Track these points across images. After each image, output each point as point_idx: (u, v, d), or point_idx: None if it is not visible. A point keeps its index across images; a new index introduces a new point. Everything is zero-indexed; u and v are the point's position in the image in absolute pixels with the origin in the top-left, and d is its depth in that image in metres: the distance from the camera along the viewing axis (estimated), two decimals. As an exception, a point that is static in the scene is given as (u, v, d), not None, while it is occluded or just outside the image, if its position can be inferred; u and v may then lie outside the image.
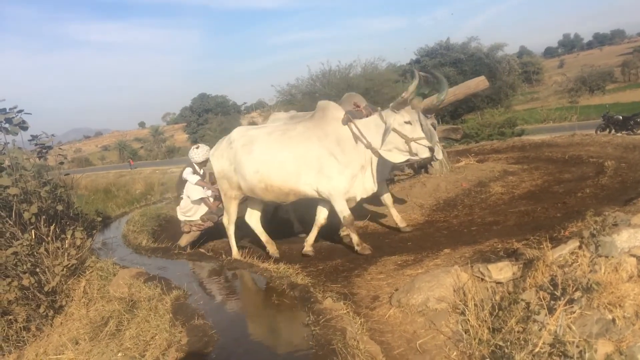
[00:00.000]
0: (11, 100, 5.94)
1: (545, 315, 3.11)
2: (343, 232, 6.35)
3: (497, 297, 3.58)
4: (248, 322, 3.96)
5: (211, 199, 7.09)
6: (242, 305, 4.35)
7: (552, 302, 3.21)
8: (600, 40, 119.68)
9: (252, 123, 65.04)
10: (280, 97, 21.16)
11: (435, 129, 5.93)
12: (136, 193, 26.44)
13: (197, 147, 7.08)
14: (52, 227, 5.78)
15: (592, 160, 7.71)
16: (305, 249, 5.74)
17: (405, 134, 5.14)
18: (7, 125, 5.92)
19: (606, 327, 3.09)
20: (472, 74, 30.77)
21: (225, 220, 6.19)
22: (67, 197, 6.73)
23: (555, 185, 6.95)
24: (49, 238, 5.71)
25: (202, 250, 6.48)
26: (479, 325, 3.32)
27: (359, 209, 6.49)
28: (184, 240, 6.98)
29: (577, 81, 43.87)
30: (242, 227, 6.48)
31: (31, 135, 6.44)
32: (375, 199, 6.00)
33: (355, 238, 5.51)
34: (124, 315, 4.83)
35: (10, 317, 5.51)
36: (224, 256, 5.84)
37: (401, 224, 6.13)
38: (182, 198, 7.00)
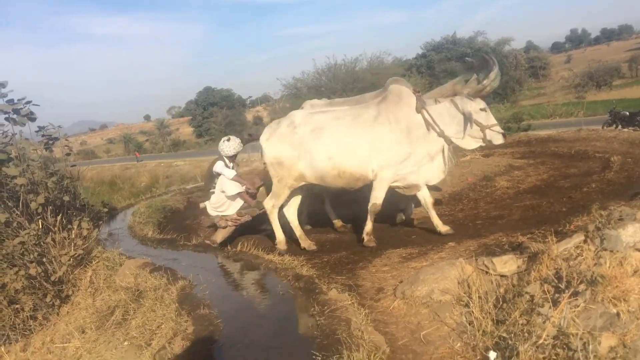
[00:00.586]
0: (18, 92, 5.97)
1: (550, 308, 3.12)
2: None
3: (502, 290, 3.59)
4: (253, 312, 3.98)
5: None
6: (248, 296, 4.37)
7: (557, 295, 3.22)
8: (608, 36, 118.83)
9: (257, 117, 64.43)
10: (285, 90, 21.15)
11: None
12: (141, 185, 26.58)
13: (227, 140, 6.56)
14: (58, 218, 5.83)
15: (598, 155, 7.69)
16: (441, 230, 5.47)
17: (480, 121, 5.18)
18: (15, 116, 5.95)
19: (610, 320, 3.09)
20: (480, 68, 30.62)
21: (269, 203, 5.91)
22: (73, 188, 6.78)
23: (561, 180, 6.94)
24: (55, 228, 5.75)
25: (207, 241, 6.49)
26: (483, 317, 3.34)
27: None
28: (220, 236, 6.60)
29: (584, 76, 43.56)
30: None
31: (38, 127, 6.48)
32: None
33: (368, 226, 5.44)
34: (130, 304, 4.87)
35: (17, 306, 5.57)
36: (229, 247, 5.86)
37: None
38: (212, 192, 6.59)
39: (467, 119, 5.16)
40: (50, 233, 5.73)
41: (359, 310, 3.61)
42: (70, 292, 5.73)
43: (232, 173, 6.46)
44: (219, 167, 6.49)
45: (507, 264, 3.86)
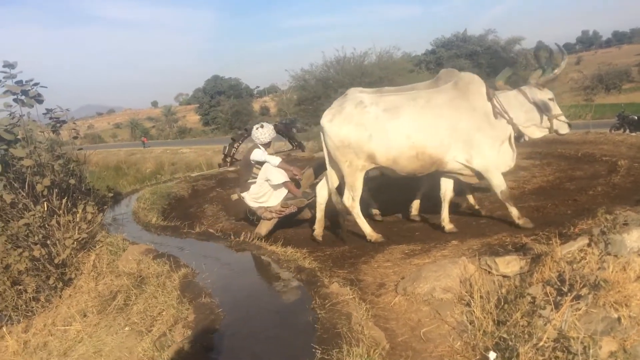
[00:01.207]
0: (26, 73, 5.98)
1: (551, 310, 3.12)
2: (414, 213, 6.27)
3: (504, 291, 3.59)
4: (254, 302, 4.00)
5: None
6: (249, 286, 4.38)
7: (559, 297, 3.22)
8: (619, 39, 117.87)
9: (264, 108, 64.21)
10: (293, 82, 21.05)
11: None
12: (146, 171, 26.68)
13: (261, 127, 6.21)
14: (64, 201, 5.86)
15: (605, 158, 7.65)
16: (446, 227, 5.48)
17: (549, 110, 5.29)
18: (23, 98, 5.96)
19: (611, 325, 3.09)
20: (488, 67, 30.46)
21: (348, 199, 5.50)
22: (79, 172, 6.80)
23: (567, 182, 6.91)
24: (60, 211, 5.79)
25: (211, 230, 6.50)
26: (484, 317, 3.34)
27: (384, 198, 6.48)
28: (264, 229, 6.23)
29: (594, 79, 43.27)
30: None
31: (46, 109, 6.50)
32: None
33: (514, 212, 5.29)
34: (132, 290, 4.90)
35: (20, 287, 5.61)
36: (232, 237, 5.87)
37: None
38: (251, 182, 6.21)
39: (538, 107, 5.29)
40: (55, 216, 5.77)
41: (359, 305, 3.62)
42: (73, 276, 5.77)
43: (278, 160, 6.14)
44: (258, 154, 6.14)
45: (510, 265, 3.85)
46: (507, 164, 5.42)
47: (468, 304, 3.53)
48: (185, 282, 4.42)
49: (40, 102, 6.17)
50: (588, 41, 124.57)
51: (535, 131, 5.43)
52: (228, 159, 13.11)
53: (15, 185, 5.77)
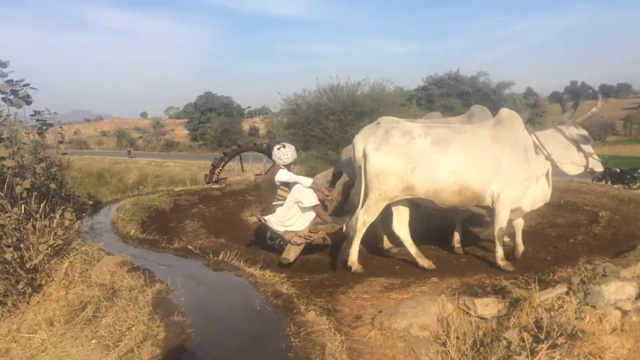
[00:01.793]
0: (19, 74, 5.92)
1: (527, 356, 3.10)
2: (389, 247, 6.27)
3: (480, 333, 3.57)
4: (228, 325, 3.91)
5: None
6: (224, 308, 4.29)
7: (535, 344, 3.20)
8: (606, 92, 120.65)
9: (254, 128, 64.42)
10: (285, 105, 21.08)
11: None
12: (129, 182, 26.40)
13: (283, 147, 5.98)
14: (42, 205, 5.74)
15: (587, 208, 7.75)
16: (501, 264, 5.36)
17: (584, 149, 5.49)
18: (11, 97, 5.89)
19: (585, 376, 3.08)
20: (478, 108, 30.92)
21: (360, 220, 5.45)
22: (61, 177, 6.68)
23: (548, 229, 6.98)
24: (37, 215, 5.66)
25: (189, 247, 6.40)
26: (459, 359, 3.30)
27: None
28: (292, 254, 5.92)
29: (579, 129, 44.21)
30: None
31: (33, 111, 6.40)
32: None
33: (499, 252, 5.37)
34: (103, 302, 4.78)
35: (-13, 290, 5.44)
36: (211, 256, 5.78)
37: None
38: (276, 204, 5.97)
39: (575, 145, 5.49)
40: (32, 219, 5.63)
41: (335, 336, 3.56)
42: (43, 282, 5.61)
43: (309, 180, 5.91)
44: (285, 175, 5.87)
45: (488, 307, 3.84)
46: (544, 199, 5.57)
47: (444, 344, 3.50)
48: (159, 298, 4.32)
49: (29, 103, 6.08)
50: (576, 91, 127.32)
51: (572, 168, 5.60)
52: (217, 171, 13.03)
53: (-6, 184, 5.64)
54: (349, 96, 19.09)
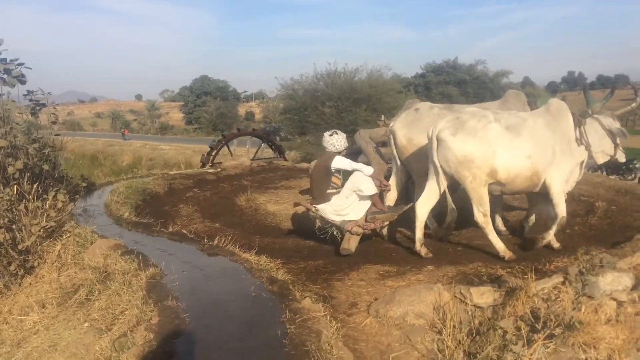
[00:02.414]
0: (14, 53, 5.81)
1: (523, 346, 3.09)
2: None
3: (476, 321, 3.55)
4: (222, 310, 3.88)
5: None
6: (218, 293, 4.26)
7: (532, 334, 3.19)
8: (603, 83, 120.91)
9: (250, 113, 64.14)
10: (282, 90, 20.95)
11: None
12: (123, 164, 26.23)
13: (336, 133, 5.70)
14: (35, 186, 5.67)
15: (583, 199, 7.73)
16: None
17: (615, 139, 5.60)
18: (5, 76, 5.78)
19: (579, 366, 3.08)
20: (475, 96, 30.93)
21: (479, 216, 5.27)
22: (54, 158, 6.59)
23: (544, 219, 6.95)
24: (30, 196, 5.59)
25: (184, 231, 6.35)
26: (455, 347, 3.29)
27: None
28: (353, 244, 5.61)
29: (575, 119, 44.28)
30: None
31: (27, 90, 6.29)
32: None
33: (549, 238, 5.47)
34: (96, 285, 4.74)
35: (-21, 271, 5.38)
36: (205, 240, 5.73)
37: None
38: (331, 192, 5.72)
39: (610, 135, 5.60)
40: (24, 201, 5.56)
41: (330, 323, 3.53)
42: (35, 264, 5.56)
43: (371, 169, 5.63)
44: (344, 162, 5.59)
45: (484, 296, 3.83)
46: (571, 186, 5.62)
47: (440, 332, 3.48)
48: (153, 282, 4.28)
49: (23, 82, 5.97)
50: (573, 81, 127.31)
51: (601, 157, 5.71)
52: (213, 153, 12.93)
53: (-14, 165, 5.56)
54: (346, 82, 19.00)
